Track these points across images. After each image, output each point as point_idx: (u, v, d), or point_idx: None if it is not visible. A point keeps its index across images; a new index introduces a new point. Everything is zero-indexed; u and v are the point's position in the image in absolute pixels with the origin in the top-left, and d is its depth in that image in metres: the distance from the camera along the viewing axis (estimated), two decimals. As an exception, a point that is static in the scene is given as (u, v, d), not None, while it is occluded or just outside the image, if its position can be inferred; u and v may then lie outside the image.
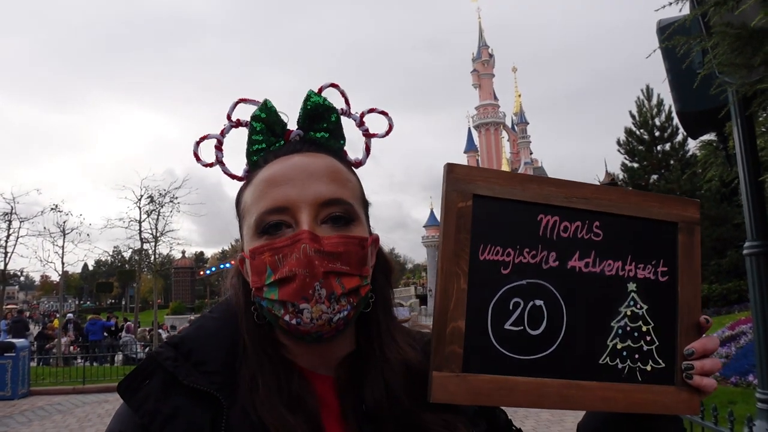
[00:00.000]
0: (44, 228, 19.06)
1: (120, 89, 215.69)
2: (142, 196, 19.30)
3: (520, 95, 75.65)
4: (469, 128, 76.14)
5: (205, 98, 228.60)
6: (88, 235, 19.83)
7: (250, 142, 0.87)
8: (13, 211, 19.13)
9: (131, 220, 19.46)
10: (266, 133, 0.87)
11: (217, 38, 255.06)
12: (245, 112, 0.90)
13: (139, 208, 19.41)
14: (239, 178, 0.90)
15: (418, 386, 0.82)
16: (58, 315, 25.48)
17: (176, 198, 19.63)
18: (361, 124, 0.92)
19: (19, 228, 19.33)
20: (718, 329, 11.82)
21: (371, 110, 0.93)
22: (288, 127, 0.89)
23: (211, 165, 0.89)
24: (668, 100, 21.10)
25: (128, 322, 24.62)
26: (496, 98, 75.58)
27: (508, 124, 76.25)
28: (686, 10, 3.27)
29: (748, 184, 3.39)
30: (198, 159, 0.89)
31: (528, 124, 74.77)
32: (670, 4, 3.07)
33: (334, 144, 0.89)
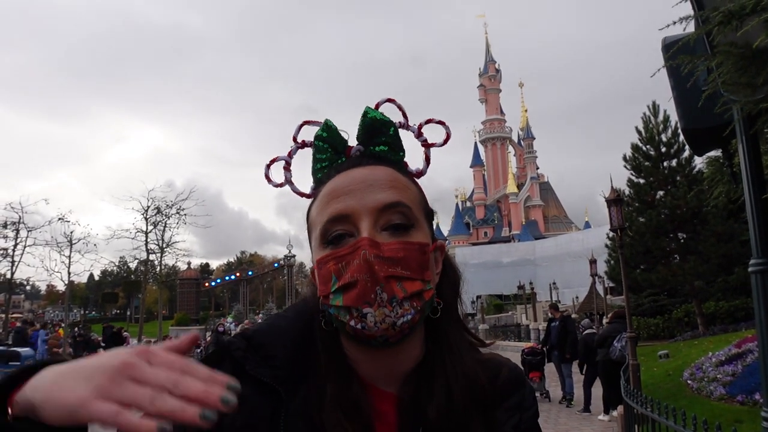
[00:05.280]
0: (51, 237, 19.20)
1: (121, 103, 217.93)
2: (148, 207, 19.41)
3: (526, 110, 75.82)
4: (476, 143, 76.37)
5: (203, 112, 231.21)
6: (95, 245, 19.98)
7: (315, 161, 0.92)
8: (21, 220, 19.29)
9: (137, 231, 19.57)
10: (329, 151, 0.91)
11: (216, 54, 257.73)
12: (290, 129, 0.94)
13: (146, 219, 19.51)
14: (308, 196, 0.94)
15: (477, 404, 0.85)
16: (63, 325, 25.51)
17: (183, 210, 19.74)
18: (419, 134, 0.95)
19: (27, 237, 19.49)
20: (725, 347, 11.73)
21: (428, 121, 0.96)
22: (349, 144, 0.92)
23: (281, 185, 0.94)
24: (674, 117, 21.07)
25: (125, 333, 24.73)
26: (502, 113, 75.76)
27: (515, 138, 76.35)
28: (691, 28, 3.29)
29: (753, 202, 3.40)
30: (269, 180, 0.94)
31: (534, 139, 74.86)
32: (674, 23, 3.09)
33: (393, 156, 0.92)
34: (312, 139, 0.92)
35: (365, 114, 0.90)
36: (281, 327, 0.90)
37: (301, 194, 0.94)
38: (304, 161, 0.96)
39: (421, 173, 0.95)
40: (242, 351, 0.85)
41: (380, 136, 0.91)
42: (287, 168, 0.94)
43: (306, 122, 0.94)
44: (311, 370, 0.86)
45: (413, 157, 0.95)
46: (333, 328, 0.86)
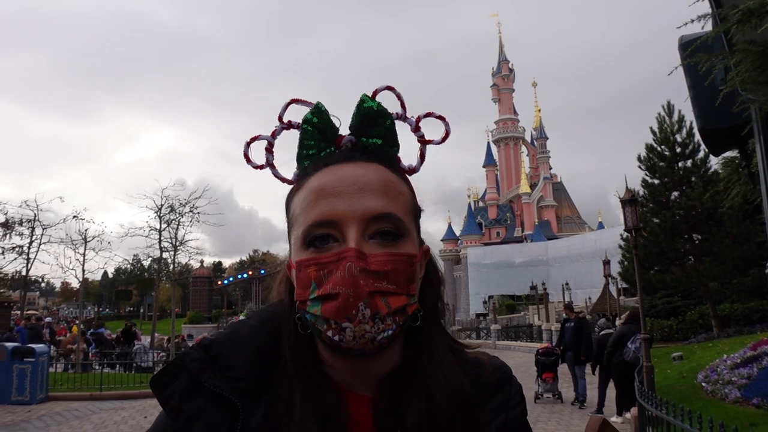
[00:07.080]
0: (66, 235, 19.38)
1: (134, 103, 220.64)
2: (162, 205, 19.56)
3: (539, 110, 75.42)
4: (488, 142, 76.01)
5: (214, 112, 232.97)
6: (109, 243, 20.12)
7: (301, 146, 0.85)
8: (36, 218, 19.50)
9: (151, 229, 19.71)
10: (317, 137, 0.84)
11: (225, 55, 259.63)
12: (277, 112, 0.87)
13: (160, 217, 19.65)
14: (290, 182, 0.87)
15: (459, 411, 0.82)
16: (77, 321, 25.76)
17: (196, 208, 19.87)
18: (416, 129, 0.88)
19: (42, 235, 19.70)
20: (740, 349, 11.60)
21: (428, 114, 0.89)
22: (340, 132, 0.86)
23: (261, 167, 0.87)
24: (689, 116, 20.89)
25: (134, 329, 24.92)
26: (515, 113, 75.40)
27: (528, 138, 75.99)
28: (708, 27, 3.25)
29: (771, 203, 3.34)
30: (248, 160, 0.87)
31: (547, 139, 74.43)
32: (692, 21, 3.05)
33: (387, 151, 0.85)
34: (300, 121, 0.85)
35: (362, 102, 0.83)
36: (242, 335, 0.85)
37: (283, 180, 0.87)
38: (285, 141, 0.89)
39: (413, 170, 0.89)
40: (198, 362, 0.81)
41: (375, 127, 0.84)
42: (269, 150, 0.87)
43: (294, 100, 0.87)
44: (276, 381, 0.82)
45: (407, 151, 0.89)
46: (309, 333, 0.81)
